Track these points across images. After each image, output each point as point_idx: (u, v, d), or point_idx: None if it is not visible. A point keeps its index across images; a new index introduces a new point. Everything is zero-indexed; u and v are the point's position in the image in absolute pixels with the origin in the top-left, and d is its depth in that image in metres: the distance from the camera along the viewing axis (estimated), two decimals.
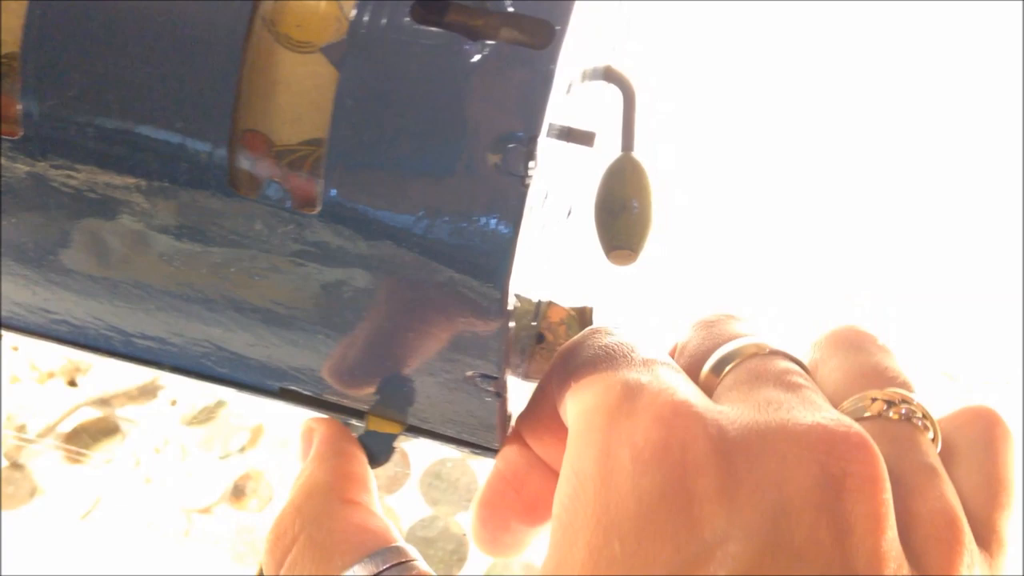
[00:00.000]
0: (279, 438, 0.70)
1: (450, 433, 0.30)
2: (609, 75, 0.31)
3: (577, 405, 0.24)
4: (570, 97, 0.26)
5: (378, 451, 0.30)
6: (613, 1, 0.31)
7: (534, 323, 0.31)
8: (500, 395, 0.27)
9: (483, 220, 0.22)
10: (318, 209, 0.22)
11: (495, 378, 0.26)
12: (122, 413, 0.72)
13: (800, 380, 0.23)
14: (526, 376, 0.31)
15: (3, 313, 0.29)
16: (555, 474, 0.28)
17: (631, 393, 0.22)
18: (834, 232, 0.81)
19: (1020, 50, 0.85)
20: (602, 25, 0.30)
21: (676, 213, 0.78)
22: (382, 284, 0.23)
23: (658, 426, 0.21)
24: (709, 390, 0.24)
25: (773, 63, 0.86)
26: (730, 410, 0.22)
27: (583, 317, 0.32)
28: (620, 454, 0.21)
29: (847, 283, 0.78)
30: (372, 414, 0.30)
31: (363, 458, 0.29)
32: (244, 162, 0.23)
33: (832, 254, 0.79)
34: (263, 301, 0.25)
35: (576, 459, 0.22)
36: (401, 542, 0.26)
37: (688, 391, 0.22)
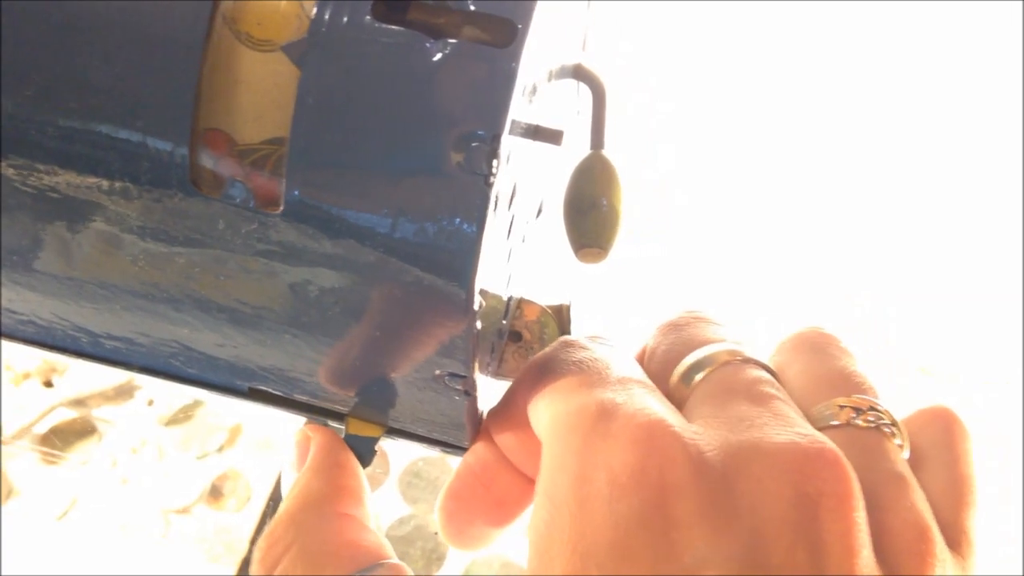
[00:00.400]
0: (257, 438, 0.70)
1: (421, 432, 0.30)
2: (579, 73, 0.31)
3: (550, 424, 0.23)
4: (539, 95, 0.26)
5: (360, 454, 0.30)
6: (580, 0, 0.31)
7: (504, 321, 0.31)
8: (469, 394, 0.26)
9: (447, 219, 0.21)
10: (281, 208, 0.22)
11: (464, 377, 0.26)
12: (98, 413, 0.71)
13: (771, 391, 0.23)
14: (500, 375, 0.31)
15: None
16: (522, 475, 0.28)
17: (606, 414, 0.22)
18: (834, 232, 0.81)
19: (1020, 50, 0.86)
20: (570, 22, 0.30)
21: (675, 212, 0.78)
22: (348, 284, 0.23)
23: (635, 449, 0.21)
24: (679, 401, 0.24)
25: (772, 63, 0.86)
26: (704, 430, 0.22)
27: (560, 315, 0.32)
28: (596, 478, 0.21)
29: (846, 283, 0.78)
30: (351, 417, 0.30)
31: (359, 470, 0.29)
32: (206, 161, 0.22)
33: (831, 254, 0.80)
34: (229, 301, 0.25)
35: (551, 483, 0.22)
36: (395, 559, 0.26)
37: (664, 412, 0.22)
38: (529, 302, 0.32)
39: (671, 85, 0.85)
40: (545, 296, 0.32)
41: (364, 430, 0.30)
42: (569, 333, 0.31)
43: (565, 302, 0.32)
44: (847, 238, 0.81)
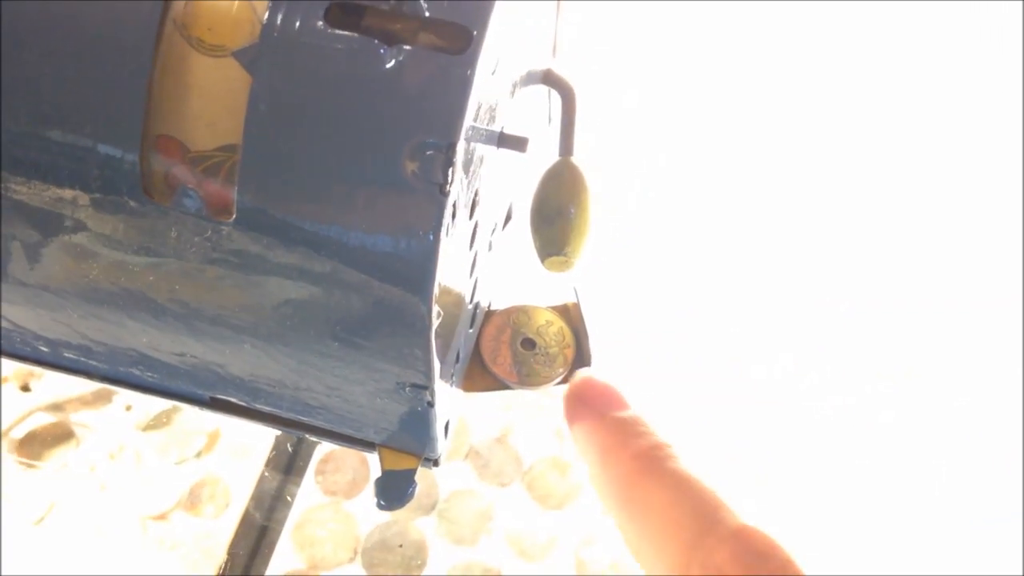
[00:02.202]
0: (236, 444, 0.69)
1: (388, 443, 0.30)
2: (548, 78, 0.30)
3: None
4: (504, 101, 0.26)
5: (400, 490, 0.29)
6: (548, 1, 0.30)
7: (471, 330, 0.30)
8: (431, 404, 0.26)
9: (403, 229, 0.21)
10: (233, 217, 0.22)
11: (424, 387, 0.25)
12: (76, 418, 0.70)
13: None
14: (527, 384, 0.31)
15: None
16: None
17: None
18: (819, 233, 0.81)
19: (1021, 50, 0.86)
20: (538, 27, 0.29)
21: (653, 218, 0.78)
22: (303, 293, 0.23)
23: None
24: None
25: (756, 65, 0.86)
26: None
27: (568, 314, 0.32)
28: None
29: (833, 284, 0.78)
30: (384, 448, 0.29)
31: None
32: (158, 168, 0.22)
33: (818, 256, 0.79)
34: (185, 310, 0.25)
35: None
36: None
37: None
38: (533, 307, 0.32)
39: (649, 87, 0.85)
40: (547, 297, 0.32)
41: (400, 462, 0.29)
42: (584, 331, 0.31)
43: (571, 300, 0.32)
44: (833, 240, 0.81)
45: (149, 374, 0.29)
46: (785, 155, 0.84)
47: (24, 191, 0.22)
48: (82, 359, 0.29)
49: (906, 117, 0.85)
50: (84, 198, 0.22)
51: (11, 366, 0.71)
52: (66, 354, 0.29)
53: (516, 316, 0.31)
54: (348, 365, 0.25)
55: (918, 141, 0.84)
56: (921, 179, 0.84)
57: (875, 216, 0.82)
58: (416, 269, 0.21)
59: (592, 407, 0.26)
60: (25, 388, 0.71)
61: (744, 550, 0.22)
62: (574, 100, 0.30)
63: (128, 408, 0.70)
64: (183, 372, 0.28)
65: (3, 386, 0.71)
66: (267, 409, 0.29)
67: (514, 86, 0.27)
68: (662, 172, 0.82)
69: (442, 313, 0.23)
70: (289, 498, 0.67)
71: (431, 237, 0.21)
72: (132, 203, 0.22)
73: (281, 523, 0.66)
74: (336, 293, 0.22)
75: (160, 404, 0.70)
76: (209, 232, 0.22)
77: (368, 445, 0.29)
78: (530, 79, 0.30)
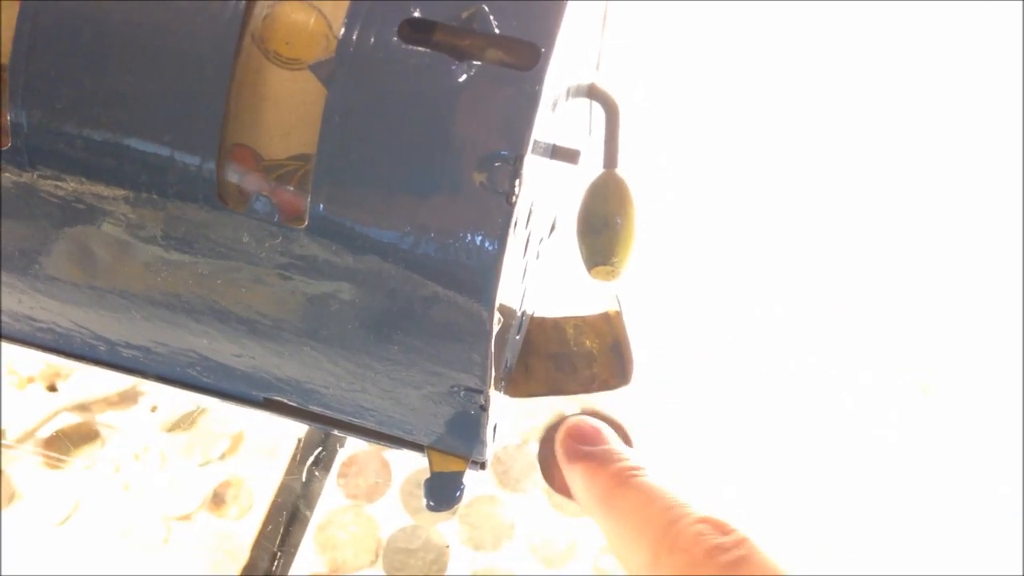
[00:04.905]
0: (260, 446, 0.70)
1: (437, 445, 0.30)
2: (593, 93, 0.31)
3: None
4: (558, 114, 0.27)
5: (448, 492, 0.30)
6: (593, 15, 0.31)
7: (518, 336, 0.31)
8: (485, 408, 0.27)
9: (469, 237, 0.22)
10: (305, 224, 0.22)
11: (480, 391, 0.26)
12: (102, 419, 0.71)
13: None
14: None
15: None
16: None
17: None
18: (830, 243, 0.81)
19: (1021, 51, 0.86)
20: (586, 42, 0.30)
21: (664, 220, 0.78)
22: (368, 298, 0.24)
23: None
24: None
25: (765, 66, 0.86)
26: None
27: (609, 323, 0.32)
28: None
29: (842, 296, 0.78)
30: (432, 451, 0.30)
31: None
32: (232, 176, 0.23)
33: (827, 266, 0.80)
34: (249, 312, 0.25)
35: None
36: None
37: None
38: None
39: (662, 90, 0.85)
40: (589, 304, 0.33)
41: (448, 465, 0.30)
42: (626, 340, 0.33)
43: (613, 308, 0.33)
44: (843, 250, 0.81)
45: (205, 375, 0.30)
46: (802, 164, 0.84)
47: (103, 197, 0.23)
48: (140, 358, 0.30)
49: (929, 121, 0.85)
50: (160, 204, 0.23)
51: (38, 366, 0.72)
52: (124, 353, 0.30)
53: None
54: (406, 368, 0.26)
55: (954, 151, 0.84)
56: (939, 187, 0.84)
57: (896, 218, 0.82)
58: (480, 276, 0.22)
59: (580, 441, 0.31)
60: (52, 388, 0.72)
61: (705, 531, 0.25)
62: (617, 113, 0.31)
63: (153, 409, 0.71)
64: (239, 374, 0.29)
65: (30, 386, 0.72)
66: (319, 410, 0.30)
67: (566, 96, 0.28)
68: (680, 171, 0.82)
69: (501, 319, 0.24)
70: (312, 500, 0.67)
71: (496, 245, 0.22)
72: (207, 209, 0.23)
73: (304, 525, 0.67)
74: (400, 298, 0.23)
75: (185, 405, 0.70)
76: (280, 238, 0.23)
77: (417, 447, 0.30)
78: (577, 92, 0.30)
